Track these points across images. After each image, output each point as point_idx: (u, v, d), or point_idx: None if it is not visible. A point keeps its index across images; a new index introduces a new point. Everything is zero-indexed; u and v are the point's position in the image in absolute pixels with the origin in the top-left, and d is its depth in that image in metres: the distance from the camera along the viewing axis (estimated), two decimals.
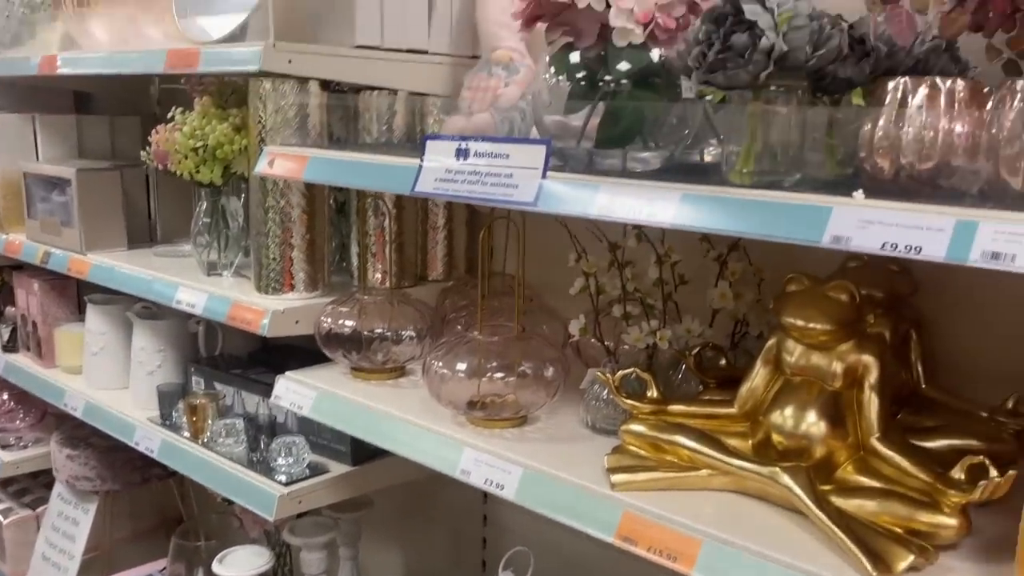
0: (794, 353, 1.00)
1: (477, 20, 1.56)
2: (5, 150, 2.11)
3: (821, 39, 0.76)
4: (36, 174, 2.01)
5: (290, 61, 1.37)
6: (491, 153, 1.03)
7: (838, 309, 0.95)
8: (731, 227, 0.79)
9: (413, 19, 1.55)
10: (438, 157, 1.09)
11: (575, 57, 1.02)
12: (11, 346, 2.27)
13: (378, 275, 1.58)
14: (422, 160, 1.10)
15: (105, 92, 2.40)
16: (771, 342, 1.03)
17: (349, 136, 1.55)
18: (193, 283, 1.61)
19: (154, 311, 1.89)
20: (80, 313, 2.20)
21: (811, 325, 0.96)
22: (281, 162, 1.30)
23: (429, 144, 1.10)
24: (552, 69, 1.05)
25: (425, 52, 1.58)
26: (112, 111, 2.37)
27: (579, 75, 1.03)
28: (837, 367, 0.97)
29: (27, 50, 2.01)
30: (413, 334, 1.42)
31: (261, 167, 1.34)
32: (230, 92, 1.57)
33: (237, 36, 1.42)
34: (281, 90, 1.41)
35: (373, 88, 1.52)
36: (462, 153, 1.06)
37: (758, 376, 1.04)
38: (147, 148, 1.67)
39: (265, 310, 1.42)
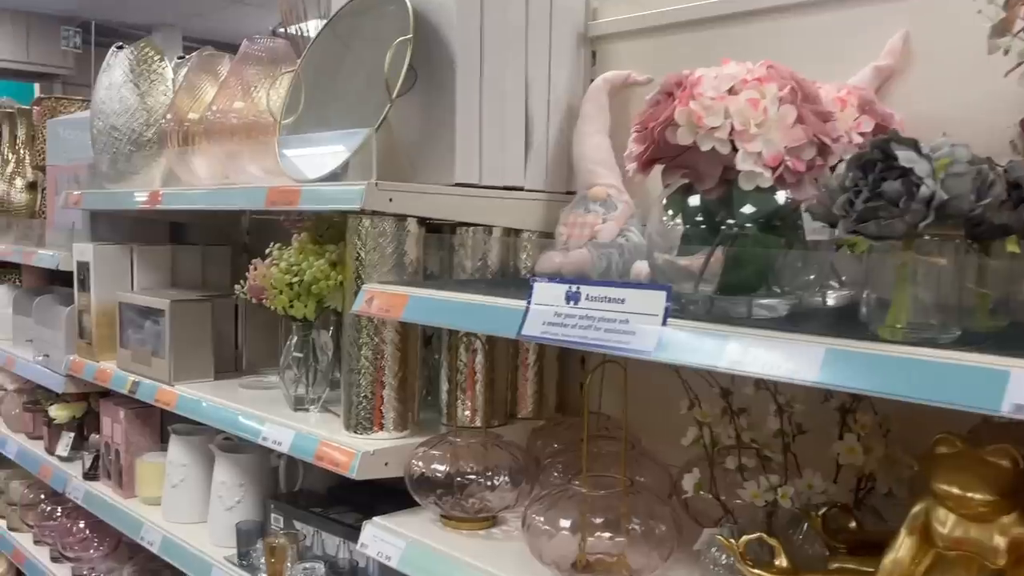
0: (947, 524, 0.89)
1: (573, 157, 1.55)
2: (104, 280, 2.15)
3: (984, 185, 0.71)
4: (131, 304, 2.04)
5: (391, 199, 1.36)
6: (605, 297, 0.98)
7: (1000, 476, 0.85)
8: (888, 390, 0.72)
9: (511, 157, 1.55)
10: (546, 300, 1.04)
11: (695, 200, 0.98)
12: (92, 474, 2.26)
13: (467, 412, 1.52)
14: (529, 302, 1.06)
15: (198, 223, 2.47)
16: (918, 509, 0.92)
17: (443, 272, 1.53)
18: (279, 418, 1.57)
19: (236, 443, 1.86)
20: (163, 443, 2.18)
21: (969, 494, 0.86)
22: (380, 301, 1.28)
23: (537, 287, 1.06)
24: (669, 211, 1.00)
25: (521, 189, 1.57)
26: (204, 241, 2.43)
27: (698, 218, 0.98)
28: (1000, 542, 0.86)
29: (131, 185, 2.08)
30: (508, 480, 1.35)
31: (359, 306, 1.31)
32: (326, 227, 1.57)
33: (339, 175, 1.43)
34: (380, 227, 1.40)
35: (469, 224, 1.50)
36: (573, 297, 1.01)
37: (903, 547, 0.93)
38: (242, 282, 1.67)
39: (355, 451, 1.36)
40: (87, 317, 2.20)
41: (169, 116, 1.94)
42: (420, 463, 1.34)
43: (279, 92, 1.66)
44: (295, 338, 1.63)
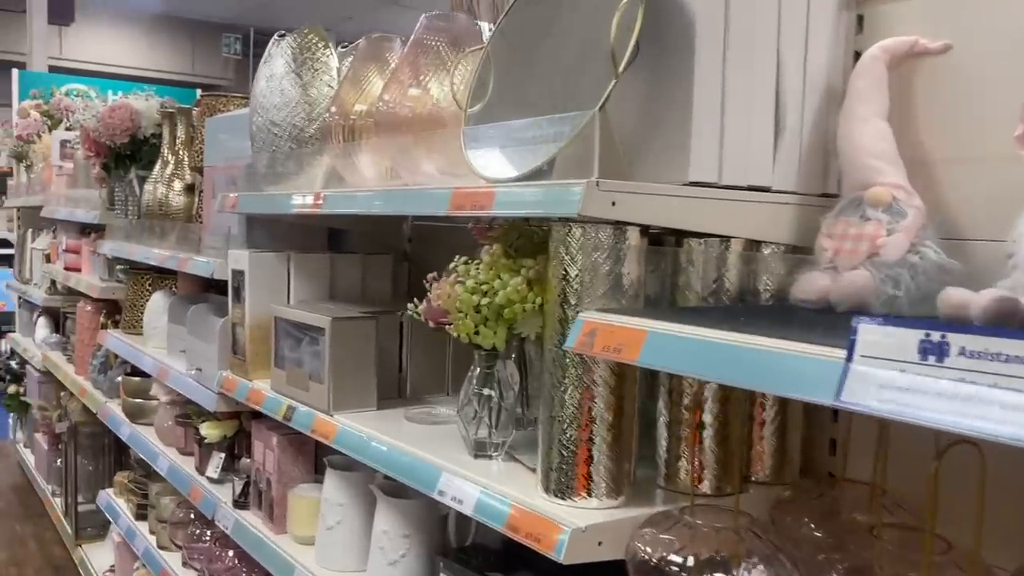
0: None
1: (841, 149, 1.20)
2: (260, 290, 1.96)
3: None
4: (287, 319, 1.83)
5: (614, 203, 1.06)
6: (998, 354, 0.63)
7: None
8: None
9: (756, 148, 1.21)
10: (883, 351, 0.70)
11: None
12: (242, 501, 2.07)
13: (692, 474, 1.20)
14: (851, 354, 0.72)
15: (356, 228, 2.25)
16: None
17: (663, 295, 1.21)
18: (458, 467, 1.30)
19: (399, 483, 1.60)
20: (317, 472, 1.97)
21: None
22: (607, 336, 0.97)
23: (863, 329, 0.72)
24: None
25: (767, 189, 1.23)
26: (362, 248, 2.21)
27: None
28: None
29: (291, 186, 1.88)
30: (764, 573, 1.01)
31: (574, 341, 1.01)
32: (516, 237, 1.28)
33: (543, 172, 1.13)
34: (595, 238, 1.10)
35: (700, 235, 1.18)
36: (934, 350, 0.67)
37: None
38: (415, 302, 1.41)
39: (560, 525, 1.07)
40: (240, 331, 2.01)
41: (333, 109, 1.71)
42: (648, 549, 1.02)
43: (463, 75, 1.39)
44: (477, 370, 1.35)
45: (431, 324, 1.34)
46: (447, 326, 1.29)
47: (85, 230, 3.81)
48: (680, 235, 1.21)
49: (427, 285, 1.44)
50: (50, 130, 4.53)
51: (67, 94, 4.79)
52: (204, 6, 8.72)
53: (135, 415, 2.87)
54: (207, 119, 2.41)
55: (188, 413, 2.48)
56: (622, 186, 1.06)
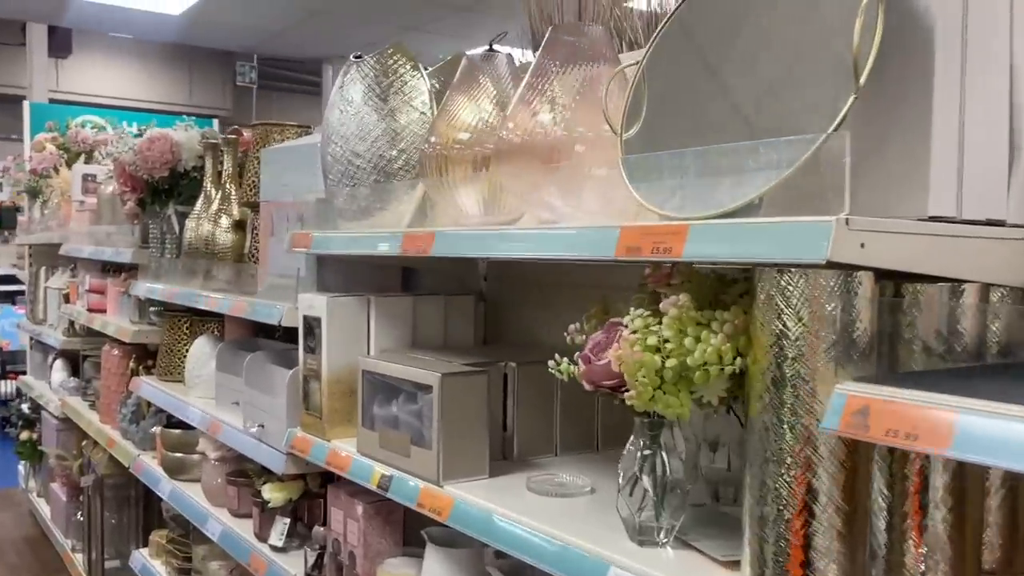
0: None
1: None
2: (339, 339, 1.76)
3: None
4: (378, 373, 1.62)
5: (863, 245, 0.86)
6: None
7: None
8: None
9: (991, 175, 1.02)
10: None
11: None
12: (316, 575, 1.85)
13: (921, 567, 1.00)
14: None
15: (429, 267, 2.06)
16: None
17: (889, 351, 1.02)
18: (629, 559, 1.09)
19: (515, 562, 1.39)
20: (407, 545, 1.75)
21: None
22: (886, 418, 0.77)
23: None
24: None
25: (1002, 223, 1.04)
26: (438, 288, 2.01)
27: None
28: None
29: (378, 223, 1.68)
30: None
31: (835, 421, 0.81)
32: (708, 287, 1.08)
33: (752, 208, 0.94)
34: (822, 285, 0.90)
35: (931, 279, 0.99)
36: None
37: None
38: (558, 359, 1.21)
39: None
40: (315, 385, 1.81)
41: (433, 139, 1.52)
42: None
43: (613, 95, 1.20)
44: (642, 441, 1.15)
45: (588, 387, 1.14)
46: (618, 391, 1.08)
47: (108, 268, 3.60)
48: (897, 279, 1.02)
49: (569, 338, 1.24)
50: (67, 164, 4.34)
51: (82, 126, 4.61)
52: (210, 34, 8.57)
53: (175, 471, 2.65)
54: (262, 151, 2.22)
55: (244, 471, 2.26)
56: (872, 224, 0.87)
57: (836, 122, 0.88)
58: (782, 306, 0.93)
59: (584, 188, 1.31)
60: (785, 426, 0.94)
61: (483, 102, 1.52)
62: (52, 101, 8.18)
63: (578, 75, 1.30)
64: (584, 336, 1.23)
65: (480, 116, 1.50)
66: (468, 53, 1.54)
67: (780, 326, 0.94)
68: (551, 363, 1.22)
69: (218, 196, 2.50)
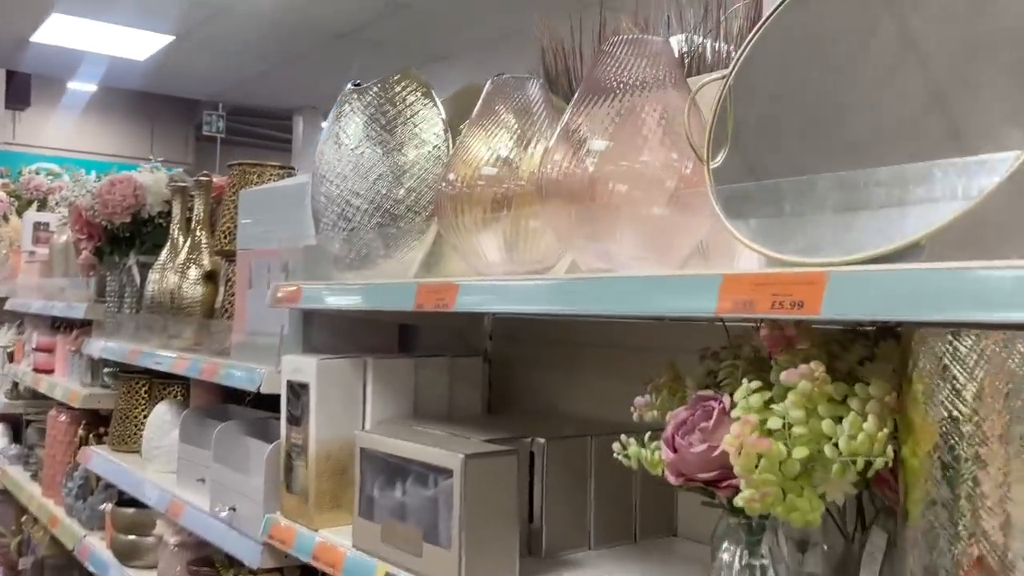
0: None
1: None
2: (330, 409, 1.50)
3: None
4: (382, 453, 1.36)
5: None
6: None
7: None
8: None
9: None
10: None
11: None
12: None
13: None
14: None
15: (429, 323, 1.82)
16: None
17: None
18: None
19: None
20: None
21: None
22: None
23: None
24: None
25: None
26: (439, 347, 1.77)
27: None
28: None
29: (383, 273, 1.44)
30: None
31: None
32: (848, 352, 0.85)
33: (915, 252, 0.72)
34: (1004, 347, 0.68)
35: None
36: None
37: None
38: (624, 441, 0.96)
39: None
40: (300, 462, 1.54)
41: (451, 175, 1.29)
42: None
43: (694, 116, 0.99)
44: (738, 549, 0.91)
45: (674, 480, 0.89)
46: (717, 485, 0.84)
47: (59, 325, 3.29)
48: None
49: (636, 413, 1.00)
50: (18, 212, 4.03)
51: (37, 172, 4.32)
52: (175, 82, 8.33)
53: (127, 555, 2.32)
54: (240, 192, 1.97)
55: (209, 559, 1.96)
56: None
57: None
58: (955, 376, 0.71)
59: (644, 230, 1.09)
60: (962, 533, 0.71)
61: (510, 134, 1.30)
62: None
63: (640, 97, 1.09)
64: (655, 412, 0.99)
65: (508, 149, 1.28)
66: (494, 78, 1.32)
67: (950, 408, 0.71)
68: (616, 447, 0.98)
69: (187, 244, 2.24)
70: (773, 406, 0.80)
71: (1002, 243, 0.69)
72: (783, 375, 0.80)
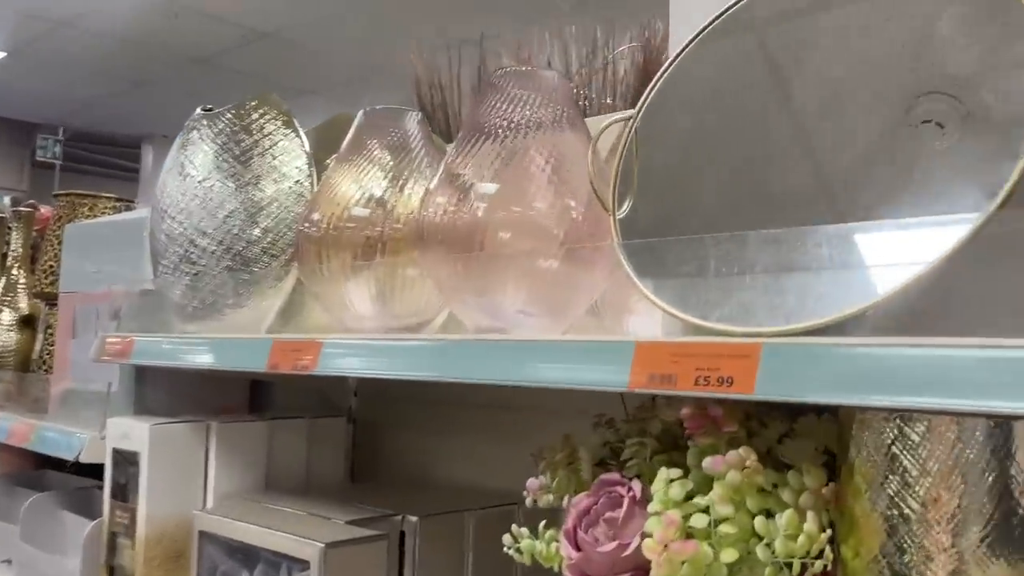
0: None
1: None
2: (164, 480, 1.29)
3: None
4: (225, 538, 1.16)
5: None
6: None
7: None
8: None
9: None
10: None
11: None
12: None
13: None
14: None
15: (287, 378, 1.63)
16: None
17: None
18: None
19: None
20: None
21: None
22: None
23: None
24: None
25: None
26: (297, 406, 1.58)
27: None
28: None
29: (231, 324, 1.25)
30: None
31: None
32: (781, 433, 0.75)
33: (850, 324, 0.62)
34: (958, 431, 0.60)
35: None
36: None
37: None
38: (518, 535, 0.82)
39: None
40: (126, 543, 1.31)
41: (315, 215, 1.13)
42: None
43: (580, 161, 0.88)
44: None
45: None
46: None
47: None
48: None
49: (529, 498, 0.87)
50: None
51: None
52: (9, 102, 7.66)
53: None
54: (66, 226, 1.72)
55: None
56: None
57: (1006, 190, 0.59)
58: (912, 469, 0.62)
59: (534, 284, 0.97)
60: None
61: (384, 171, 1.16)
62: None
63: (532, 136, 0.97)
64: (550, 496, 0.86)
65: (382, 188, 1.14)
66: (367, 110, 1.18)
67: (893, 495, 0.62)
68: (507, 540, 0.84)
69: (0, 284, 1.94)
70: (696, 498, 0.69)
71: (959, 315, 0.61)
72: (707, 462, 0.69)
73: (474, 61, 1.61)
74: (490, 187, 0.96)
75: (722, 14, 0.82)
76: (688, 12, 0.90)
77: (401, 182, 1.14)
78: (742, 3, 0.81)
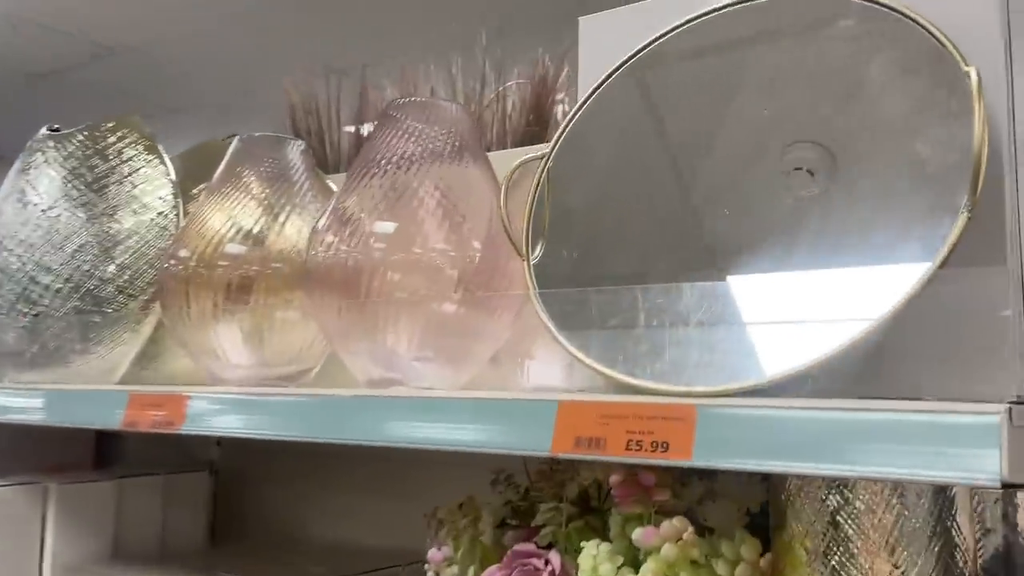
0: None
1: None
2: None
3: None
4: None
5: None
6: None
7: None
8: None
9: None
10: None
11: None
12: None
13: None
14: None
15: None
16: None
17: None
18: None
19: None
20: None
21: None
22: None
23: None
24: None
25: None
26: (152, 460, 1.43)
27: None
28: None
29: (75, 374, 1.10)
30: None
31: None
32: (698, 498, 0.69)
33: (801, 382, 0.59)
34: (900, 498, 0.57)
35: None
36: None
37: None
38: None
39: None
40: None
41: (183, 252, 1.01)
42: None
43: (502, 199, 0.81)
44: None
45: None
46: None
47: None
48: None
49: (431, 572, 0.79)
50: None
51: None
52: None
53: None
54: None
55: None
56: None
57: (944, 252, 0.57)
58: (856, 540, 0.58)
59: (430, 331, 0.89)
60: None
61: (260, 205, 1.05)
62: None
63: (431, 170, 0.90)
64: (454, 568, 0.78)
65: (258, 224, 1.03)
66: (243, 136, 1.07)
67: (849, 570, 0.58)
68: None
69: None
70: (623, 569, 0.62)
71: (910, 375, 0.58)
72: (639, 535, 0.63)
73: (355, 89, 1.52)
74: (382, 225, 0.88)
75: (639, 52, 0.78)
76: (597, 50, 0.86)
77: (281, 217, 1.04)
78: (658, 41, 0.78)
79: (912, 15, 0.63)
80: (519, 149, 1.09)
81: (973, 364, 0.64)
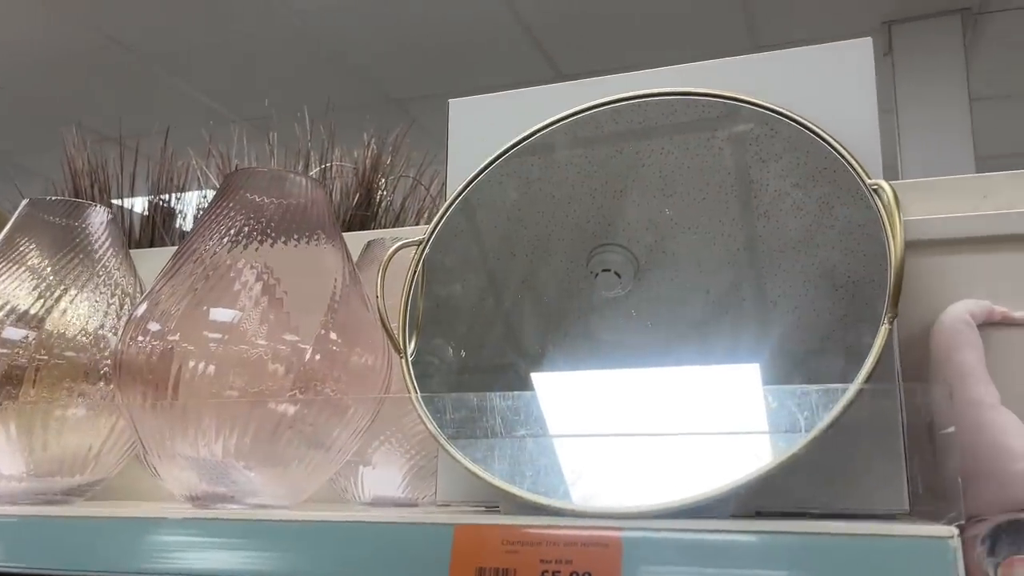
0: None
1: (973, 452, 0.83)
2: None
3: None
4: None
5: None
6: None
7: None
8: None
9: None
10: None
11: None
12: None
13: None
14: None
15: None
16: None
17: None
18: None
19: None
20: None
21: None
22: None
23: None
24: None
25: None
26: None
27: None
28: None
29: None
30: None
31: None
32: None
33: (729, 500, 0.54)
34: None
35: None
36: None
37: None
38: None
39: None
40: None
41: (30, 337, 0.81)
42: None
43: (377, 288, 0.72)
44: None
45: None
46: None
47: None
48: None
49: None
50: None
51: None
52: None
53: None
54: None
55: None
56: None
57: (871, 361, 0.55)
58: None
59: (269, 437, 0.76)
60: None
61: (41, 280, 0.88)
62: None
63: (263, 252, 0.79)
64: None
65: (36, 303, 0.86)
66: (31, 200, 0.90)
67: None
68: None
69: None
70: None
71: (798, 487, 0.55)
72: None
73: (155, 157, 1.37)
74: (199, 312, 0.75)
75: (519, 142, 0.73)
76: (467, 133, 0.80)
77: (69, 294, 0.88)
78: (539, 133, 0.74)
79: (812, 127, 0.64)
80: (348, 233, 1.00)
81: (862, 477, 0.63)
